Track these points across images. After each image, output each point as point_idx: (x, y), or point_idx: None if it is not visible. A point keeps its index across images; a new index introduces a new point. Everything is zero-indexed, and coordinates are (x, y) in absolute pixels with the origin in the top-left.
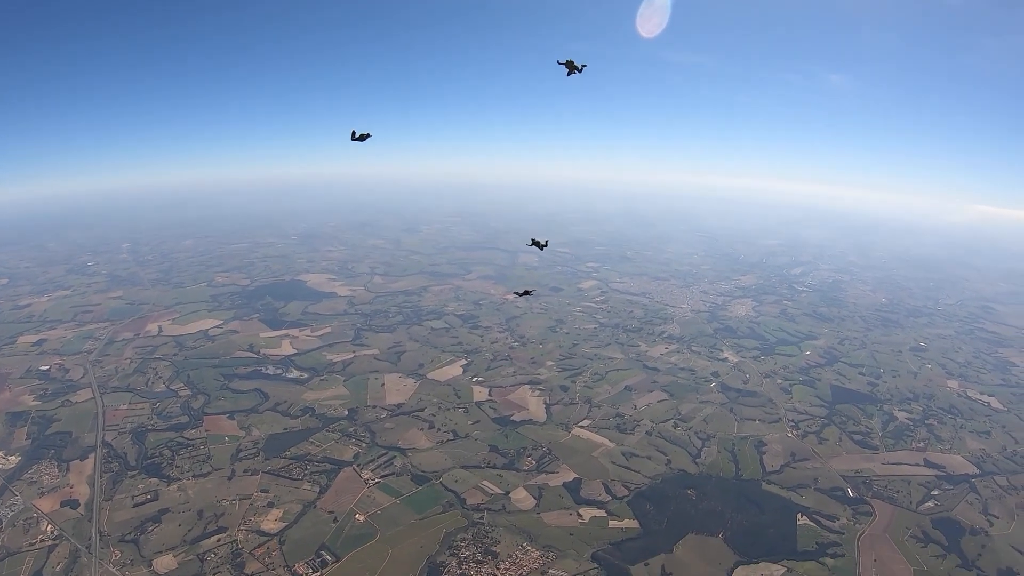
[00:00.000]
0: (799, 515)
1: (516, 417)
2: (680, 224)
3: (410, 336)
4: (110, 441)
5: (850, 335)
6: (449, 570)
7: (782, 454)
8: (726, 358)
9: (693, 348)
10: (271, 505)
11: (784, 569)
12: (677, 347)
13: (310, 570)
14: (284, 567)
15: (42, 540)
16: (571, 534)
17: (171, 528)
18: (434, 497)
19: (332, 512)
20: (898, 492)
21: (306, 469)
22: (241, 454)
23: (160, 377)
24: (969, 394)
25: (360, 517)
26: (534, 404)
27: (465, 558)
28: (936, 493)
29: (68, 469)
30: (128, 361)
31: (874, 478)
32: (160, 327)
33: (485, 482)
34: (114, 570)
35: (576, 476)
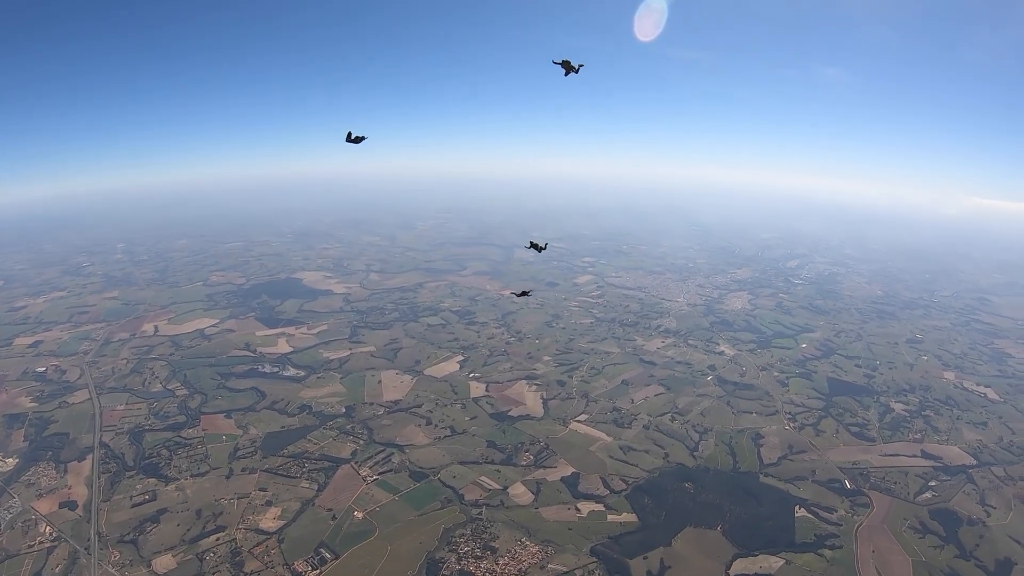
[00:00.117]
0: (797, 507)
1: (513, 412)
2: (676, 218)
3: (406, 333)
4: (108, 442)
5: (846, 327)
6: (448, 566)
7: (779, 447)
8: (723, 351)
9: (689, 342)
10: (269, 503)
11: (783, 561)
12: (673, 341)
13: (309, 568)
14: (283, 565)
15: (41, 542)
16: (570, 529)
17: (170, 528)
18: (432, 493)
19: (331, 510)
20: (895, 483)
21: (304, 467)
22: (239, 453)
23: (157, 377)
24: (965, 385)
25: (359, 514)
26: (531, 399)
27: (464, 554)
28: (933, 484)
29: (66, 470)
30: (124, 361)
31: (871, 470)
32: (156, 327)
33: (483, 478)
34: (113, 571)
35: (574, 471)
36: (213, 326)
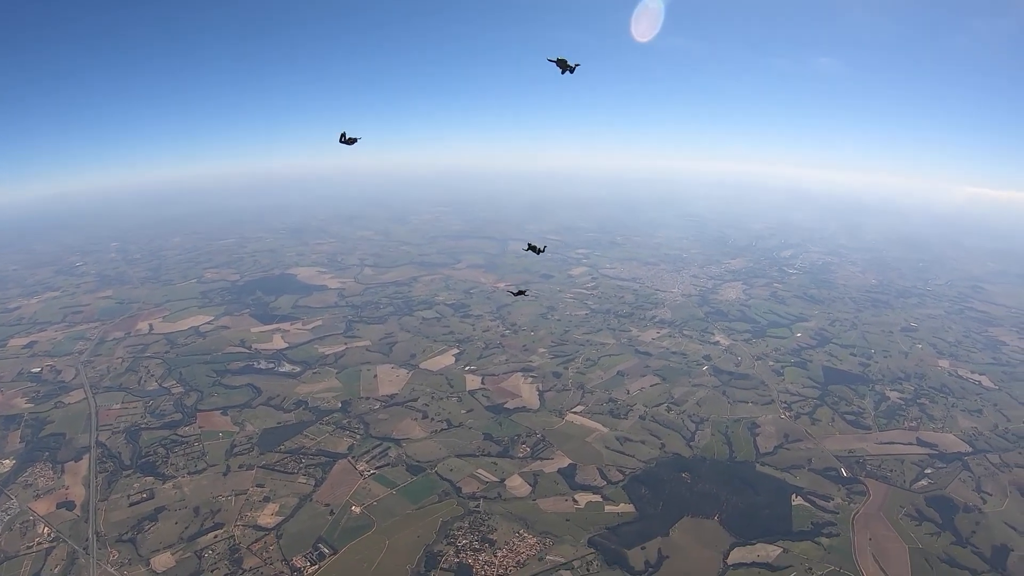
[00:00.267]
0: (794, 496)
1: (509, 405)
2: (670, 209)
3: (401, 327)
4: (104, 441)
5: (841, 316)
6: (447, 559)
7: (775, 436)
8: (718, 341)
9: (684, 332)
10: (267, 500)
11: (780, 550)
12: (669, 331)
13: (308, 563)
14: (282, 561)
15: (39, 543)
16: (567, 520)
17: (168, 526)
18: (429, 487)
19: (328, 505)
20: (891, 471)
21: (301, 462)
22: (235, 449)
23: (152, 375)
24: (960, 373)
25: (356, 509)
26: (527, 391)
27: (462, 546)
28: (929, 472)
29: (63, 471)
30: (120, 360)
31: (867, 458)
32: (151, 325)
33: (480, 470)
34: (112, 570)
35: (571, 462)
36: (208, 323)
